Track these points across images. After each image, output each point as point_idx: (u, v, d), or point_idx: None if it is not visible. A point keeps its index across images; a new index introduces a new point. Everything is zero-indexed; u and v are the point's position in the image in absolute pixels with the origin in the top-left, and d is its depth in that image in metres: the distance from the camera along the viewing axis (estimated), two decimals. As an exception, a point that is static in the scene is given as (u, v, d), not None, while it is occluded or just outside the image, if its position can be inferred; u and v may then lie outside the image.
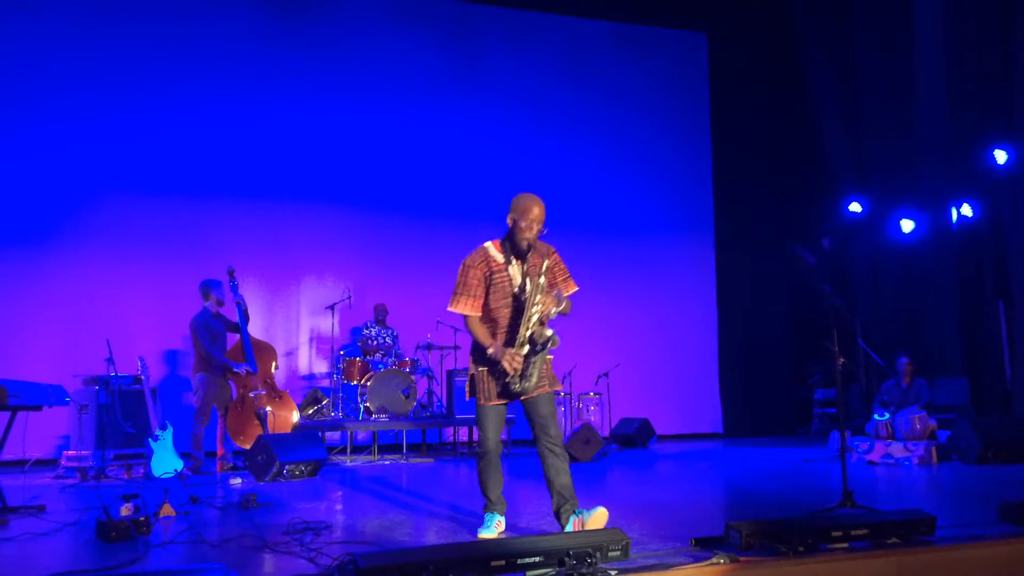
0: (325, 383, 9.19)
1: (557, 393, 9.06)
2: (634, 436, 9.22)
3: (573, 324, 9.34)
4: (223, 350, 7.31)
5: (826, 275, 8.53)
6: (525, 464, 7.47)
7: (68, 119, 8.68)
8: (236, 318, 7.45)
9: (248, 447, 6.80)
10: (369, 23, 10.01)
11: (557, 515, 3.88)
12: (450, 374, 8.81)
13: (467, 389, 4.11)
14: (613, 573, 3.02)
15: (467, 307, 3.94)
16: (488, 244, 4.01)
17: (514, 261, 3.94)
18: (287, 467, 6.33)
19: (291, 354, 9.33)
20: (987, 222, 9.47)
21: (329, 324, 9.10)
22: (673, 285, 11.07)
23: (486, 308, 3.97)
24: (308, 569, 3.22)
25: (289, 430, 7.39)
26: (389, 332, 8.98)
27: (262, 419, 7.20)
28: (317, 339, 9.47)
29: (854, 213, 10.77)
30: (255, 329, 7.93)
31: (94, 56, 8.83)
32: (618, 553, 3.12)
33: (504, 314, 3.95)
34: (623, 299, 10.67)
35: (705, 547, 3.38)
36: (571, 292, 4.06)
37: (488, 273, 3.93)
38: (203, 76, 9.24)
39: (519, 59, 10.64)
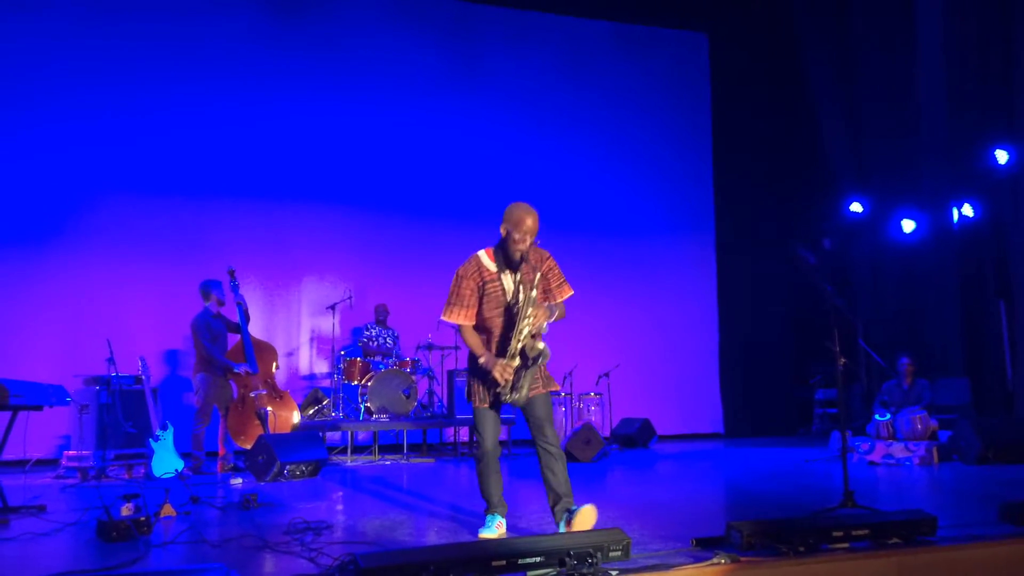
0: (326, 383, 9.19)
1: (557, 393, 9.18)
2: (635, 436, 9.22)
3: (573, 325, 9.33)
4: (224, 350, 7.31)
5: (827, 275, 8.50)
6: (525, 464, 7.47)
7: (68, 119, 8.68)
8: (237, 318, 7.45)
9: (249, 447, 6.80)
10: (369, 23, 10.01)
11: (554, 514, 3.90)
12: (451, 374, 8.81)
13: (467, 392, 4.11)
14: (614, 573, 3.02)
15: (460, 317, 3.96)
16: (481, 253, 4.01)
17: (507, 270, 3.95)
18: (288, 467, 6.33)
19: (292, 354, 9.33)
20: (988, 222, 9.47)
21: (330, 324, 9.10)
22: (674, 285, 11.07)
23: (480, 317, 3.99)
24: (309, 569, 3.22)
25: (290, 430, 7.39)
26: (390, 333, 8.98)
27: (263, 419, 7.20)
28: (318, 339, 9.47)
29: (855, 213, 10.76)
30: (256, 329, 7.93)
31: (94, 56, 8.84)
32: (619, 553, 3.12)
33: (497, 323, 3.96)
34: (624, 299, 10.67)
35: (706, 547, 3.38)
36: (566, 297, 4.07)
37: (481, 283, 3.95)
38: (203, 76, 9.24)
39: (519, 59, 10.64)
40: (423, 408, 8.87)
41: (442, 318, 4.01)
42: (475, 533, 3.98)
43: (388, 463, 7.86)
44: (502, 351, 3.89)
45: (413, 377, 8.38)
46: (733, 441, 10.29)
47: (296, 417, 7.60)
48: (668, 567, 3.11)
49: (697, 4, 11.37)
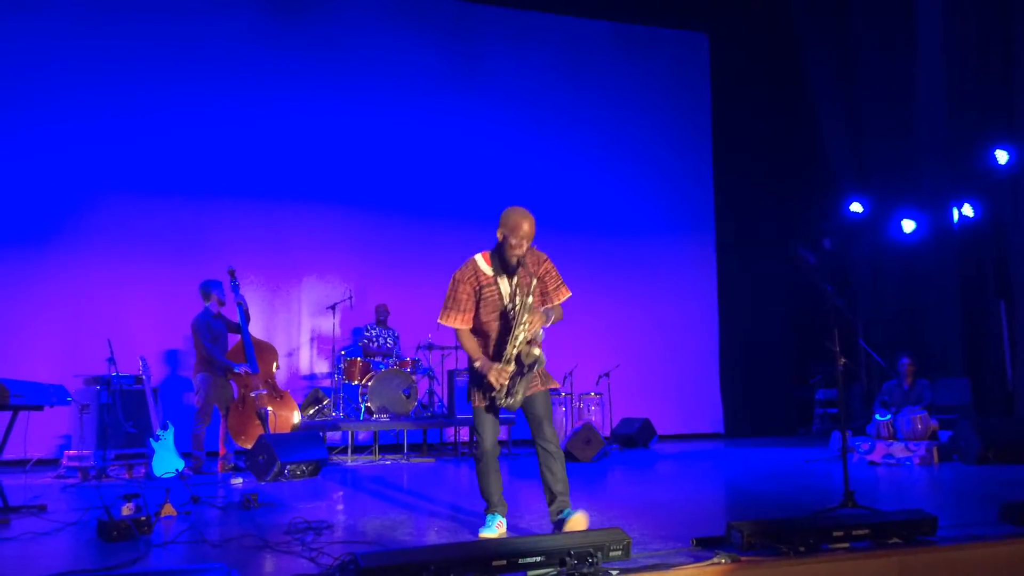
0: (326, 383, 9.19)
1: (557, 392, 9.18)
2: (635, 436, 9.22)
3: (574, 325, 9.36)
4: (224, 350, 7.32)
5: (827, 275, 8.51)
6: (525, 464, 7.47)
7: (68, 119, 8.68)
8: (237, 318, 7.45)
9: (249, 447, 6.80)
10: (369, 23, 10.01)
11: (550, 513, 3.93)
12: (451, 374, 8.82)
13: (468, 392, 4.12)
14: (614, 573, 3.02)
15: (457, 321, 3.97)
16: (478, 256, 4.01)
17: (503, 275, 3.96)
18: (288, 467, 6.33)
19: (292, 354, 9.33)
20: (988, 222, 9.47)
21: (330, 324, 9.10)
22: (674, 285, 11.08)
23: (477, 321, 4.00)
24: (309, 569, 3.22)
25: (290, 430, 7.40)
26: (390, 333, 8.99)
27: (263, 419, 7.20)
28: (318, 339, 9.47)
29: (855, 213, 10.76)
30: (256, 329, 7.93)
31: (94, 56, 8.84)
32: (619, 553, 3.12)
33: (494, 328, 3.98)
34: (624, 299, 10.67)
35: (706, 547, 3.37)
36: (564, 299, 4.07)
37: (477, 287, 3.96)
38: (203, 76, 9.25)
39: (519, 59, 10.64)
40: (423, 408, 8.87)
41: (439, 322, 4.02)
42: (475, 533, 3.98)
43: (388, 463, 7.87)
44: (498, 356, 3.89)
45: (413, 377, 8.38)
46: (733, 441, 10.29)
47: (296, 417, 7.60)
48: (668, 567, 3.11)
49: (697, 4, 11.37)
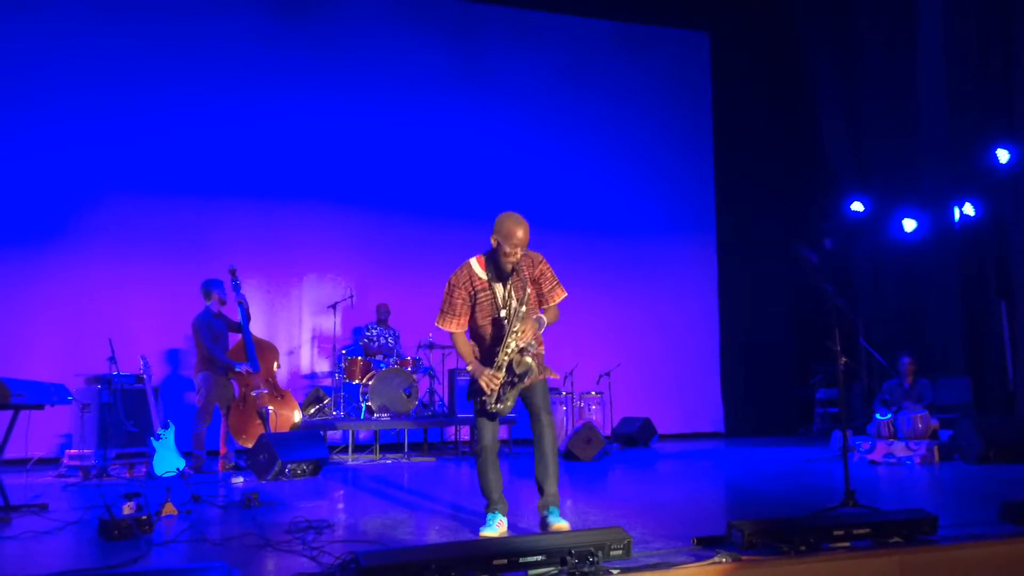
0: (327, 382, 9.20)
1: (558, 392, 9.18)
2: (636, 435, 9.22)
3: (575, 324, 9.40)
4: (225, 349, 7.32)
5: (828, 275, 8.52)
6: (526, 463, 7.45)
7: (68, 119, 8.69)
8: (238, 317, 7.45)
9: (250, 446, 6.81)
10: (369, 23, 10.01)
11: (538, 507, 4.03)
12: (452, 373, 8.82)
13: (468, 391, 4.14)
14: (615, 572, 3.02)
15: (452, 325, 4.01)
16: (473, 261, 4.03)
17: (498, 282, 3.97)
18: (289, 466, 6.33)
19: (293, 353, 9.34)
20: (989, 221, 9.46)
21: (331, 323, 9.10)
22: (675, 285, 11.08)
23: (473, 324, 4.05)
24: (310, 568, 3.22)
25: (291, 429, 7.40)
26: (391, 332, 8.99)
27: (264, 418, 7.21)
28: (319, 338, 9.47)
29: (856, 213, 10.76)
30: (257, 328, 7.94)
31: (94, 56, 8.85)
32: (620, 552, 3.12)
33: (488, 332, 4.02)
34: (624, 299, 10.68)
35: (707, 546, 3.38)
36: (559, 300, 4.08)
37: (472, 292, 3.99)
38: (203, 76, 9.25)
39: (520, 59, 10.64)
40: (424, 407, 8.87)
41: (436, 325, 4.07)
42: (476, 532, 3.98)
43: (389, 462, 7.87)
44: (491, 361, 3.92)
45: (414, 376, 8.38)
46: (734, 440, 10.29)
47: (297, 416, 7.61)
48: (669, 566, 3.11)
49: (698, 4, 11.37)
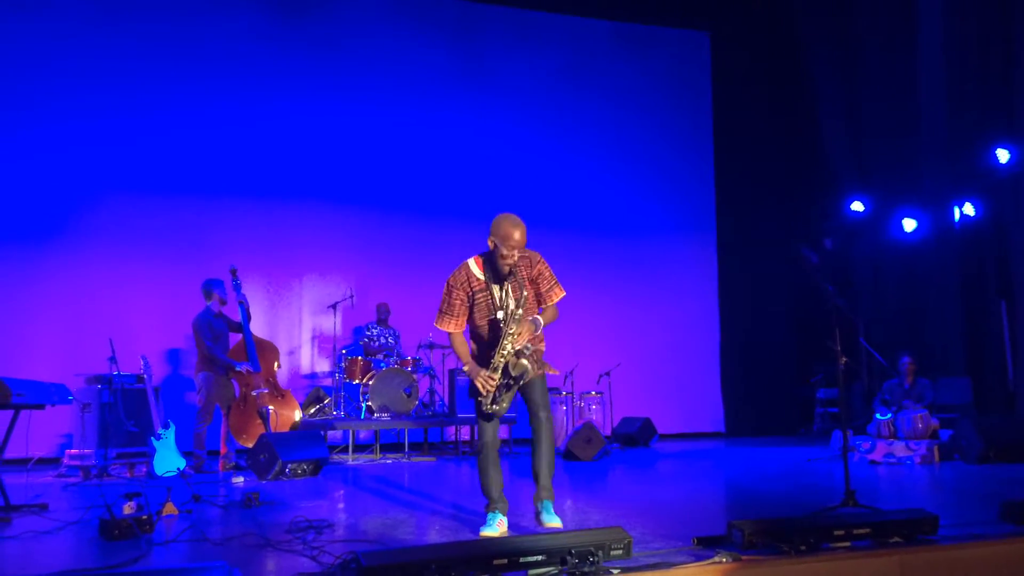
0: (327, 382, 9.20)
1: (558, 392, 9.18)
2: (636, 435, 9.23)
3: (575, 324, 9.41)
4: (226, 349, 7.32)
5: (828, 275, 8.53)
6: (527, 463, 7.44)
7: (68, 119, 8.69)
8: (239, 317, 7.45)
9: (251, 446, 6.81)
10: (370, 23, 10.01)
11: (534, 498, 4.10)
12: (452, 373, 8.81)
13: (470, 388, 4.16)
14: (616, 572, 3.02)
15: (450, 325, 4.04)
16: (471, 261, 4.04)
17: (495, 284, 3.99)
18: (289, 466, 6.33)
19: (293, 353, 9.34)
20: (989, 221, 9.46)
21: (331, 323, 9.10)
22: (675, 285, 11.08)
23: (471, 324, 4.08)
24: (311, 567, 3.23)
25: (290, 429, 7.40)
26: (391, 332, 8.99)
27: (264, 418, 7.21)
28: (319, 338, 9.48)
29: (856, 212, 10.76)
30: (257, 328, 7.94)
31: (94, 56, 8.85)
32: (620, 552, 3.13)
33: (486, 332, 4.05)
34: (625, 299, 10.68)
35: (707, 546, 3.38)
36: (558, 299, 4.09)
37: (470, 292, 4.01)
38: (203, 76, 9.25)
39: (520, 59, 10.64)
40: (424, 407, 8.88)
41: (435, 324, 4.10)
42: (477, 531, 3.98)
43: (389, 462, 7.87)
44: (488, 361, 3.94)
45: (414, 376, 8.38)
46: (734, 440, 10.29)
47: (298, 416, 7.61)
48: (670, 566, 3.11)
49: (698, 3, 11.37)
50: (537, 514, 4.03)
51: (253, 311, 7.73)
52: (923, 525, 3.49)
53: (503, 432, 8.17)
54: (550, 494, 4.05)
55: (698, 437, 10.66)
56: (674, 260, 11.13)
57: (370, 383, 8.24)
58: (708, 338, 11.16)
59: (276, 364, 7.66)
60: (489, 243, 3.92)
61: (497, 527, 3.96)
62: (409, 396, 8.21)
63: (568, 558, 3.00)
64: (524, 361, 3.84)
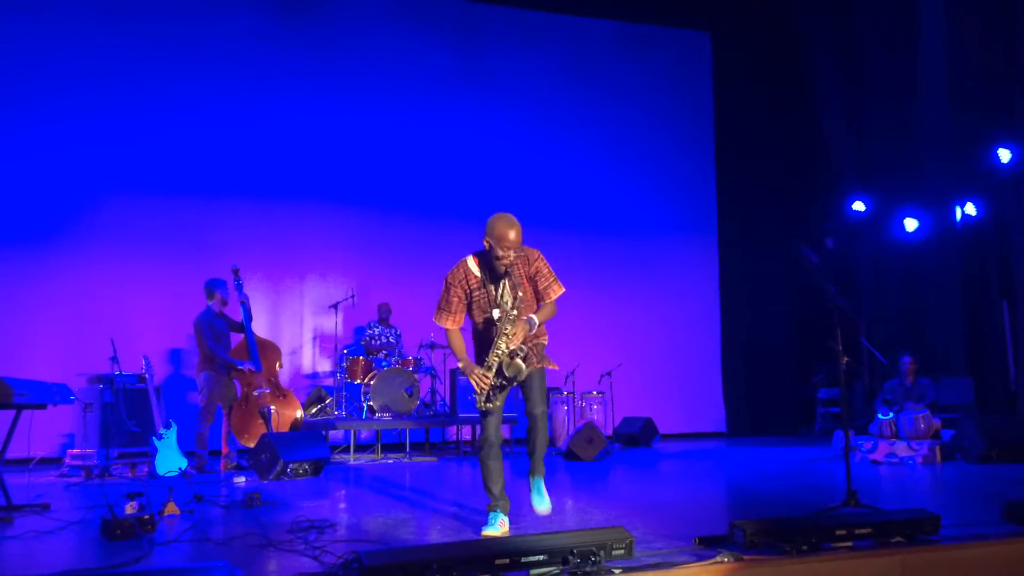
0: (329, 382, 9.20)
1: (559, 392, 9.18)
2: (637, 435, 9.22)
3: (576, 324, 9.41)
4: (227, 349, 7.32)
5: (830, 274, 8.52)
6: (527, 463, 7.45)
7: (69, 119, 8.69)
8: (240, 317, 7.45)
9: (252, 445, 6.81)
10: (370, 23, 10.01)
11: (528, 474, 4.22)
12: (453, 373, 8.81)
13: None
14: (617, 571, 3.02)
15: (448, 322, 4.07)
16: (469, 259, 4.05)
17: (491, 283, 4.00)
18: (291, 466, 6.33)
19: (295, 353, 9.34)
20: (991, 221, 9.45)
21: (333, 323, 9.11)
22: (676, 284, 11.07)
23: (471, 320, 4.10)
24: (313, 567, 3.23)
25: (290, 428, 7.41)
26: (392, 331, 9.00)
27: (266, 417, 7.21)
28: (321, 338, 9.48)
29: (858, 212, 10.75)
30: (259, 327, 7.94)
31: (95, 56, 8.85)
32: (622, 551, 3.13)
33: (483, 330, 4.07)
34: (626, 298, 10.67)
35: (709, 546, 3.38)
36: (556, 296, 4.09)
37: (468, 290, 4.02)
38: (203, 76, 9.25)
39: (522, 59, 10.63)
40: (426, 407, 8.88)
41: (433, 320, 4.12)
42: (478, 531, 3.98)
43: (391, 462, 7.87)
44: (482, 360, 3.96)
45: (416, 376, 8.39)
46: (736, 440, 10.28)
47: (299, 415, 7.61)
48: (671, 565, 3.11)
49: (700, 3, 11.36)
50: (529, 489, 4.16)
51: (254, 311, 7.73)
52: (925, 525, 3.49)
53: (504, 432, 8.16)
54: (542, 469, 4.15)
55: (699, 437, 10.66)
56: (675, 260, 11.13)
57: (371, 383, 8.24)
58: (709, 338, 11.16)
59: (278, 364, 7.67)
60: (485, 243, 3.93)
61: (499, 527, 3.96)
62: (410, 396, 8.21)
63: (570, 558, 3.00)
64: (519, 361, 3.84)
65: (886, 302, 10.65)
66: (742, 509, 4.98)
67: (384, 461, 7.93)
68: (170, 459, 6.65)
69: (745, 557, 3.16)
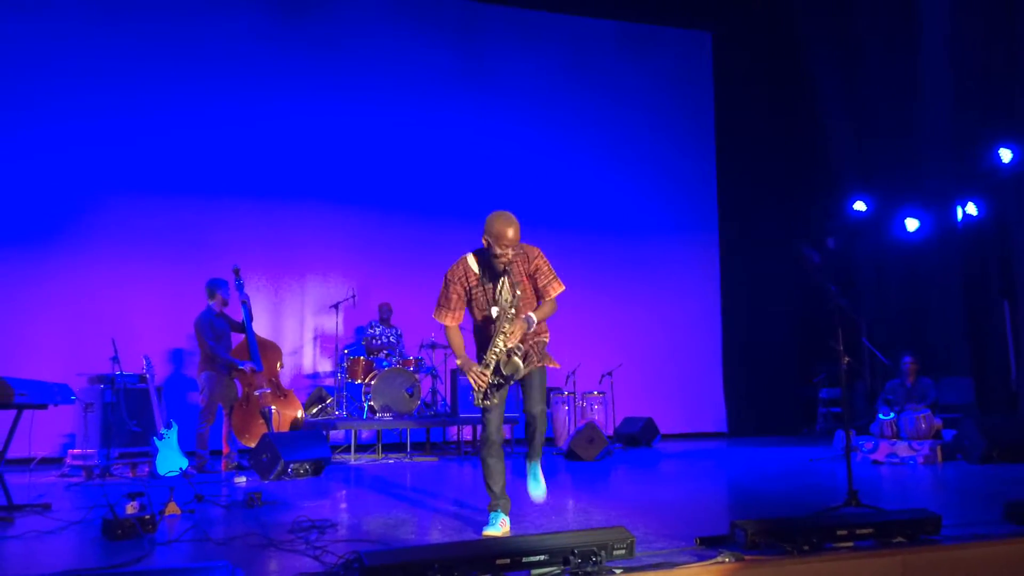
0: (329, 382, 9.20)
1: (560, 392, 9.18)
2: (638, 435, 9.22)
3: (577, 323, 9.41)
4: (228, 349, 7.32)
5: (831, 274, 8.51)
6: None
7: (69, 119, 8.69)
8: (241, 316, 7.45)
9: (253, 445, 6.81)
10: (370, 23, 10.01)
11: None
12: (454, 373, 8.81)
13: None
14: (618, 571, 3.02)
15: (447, 319, 4.08)
16: (469, 256, 4.05)
17: (490, 281, 4.00)
18: (291, 466, 6.33)
19: (296, 353, 9.34)
20: (992, 221, 9.44)
21: (333, 323, 9.10)
22: (677, 284, 11.07)
23: (470, 317, 4.10)
24: (313, 567, 3.23)
25: (292, 428, 7.41)
26: (393, 331, 9.00)
27: (267, 417, 7.22)
28: (321, 338, 9.48)
29: (859, 212, 10.74)
30: (260, 327, 7.94)
31: (95, 56, 8.85)
32: (623, 551, 3.12)
33: (482, 327, 4.07)
34: (627, 298, 10.67)
35: (710, 546, 3.37)
36: (556, 294, 4.08)
37: (467, 287, 4.02)
38: (203, 76, 9.25)
39: (523, 58, 10.64)
40: (426, 407, 8.88)
41: (433, 317, 4.12)
42: (479, 531, 3.98)
43: (392, 462, 7.87)
44: (481, 358, 3.96)
45: (416, 376, 8.39)
46: (737, 440, 10.28)
47: (300, 415, 7.61)
48: (672, 565, 3.11)
49: (701, 3, 11.36)
50: (526, 478, 4.23)
51: (255, 311, 7.73)
52: (926, 525, 3.48)
53: (504, 432, 8.17)
54: (538, 454, 4.21)
55: (700, 437, 10.66)
56: (676, 260, 11.13)
57: (372, 383, 8.25)
58: (710, 338, 11.16)
59: (278, 364, 7.67)
60: (483, 241, 3.92)
61: (500, 527, 3.96)
62: (411, 396, 8.21)
63: (571, 558, 3.00)
64: (516, 359, 3.84)
65: (887, 302, 10.64)
66: (743, 509, 4.97)
67: (385, 461, 7.93)
68: (171, 459, 6.65)
69: (746, 557, 3.15)
